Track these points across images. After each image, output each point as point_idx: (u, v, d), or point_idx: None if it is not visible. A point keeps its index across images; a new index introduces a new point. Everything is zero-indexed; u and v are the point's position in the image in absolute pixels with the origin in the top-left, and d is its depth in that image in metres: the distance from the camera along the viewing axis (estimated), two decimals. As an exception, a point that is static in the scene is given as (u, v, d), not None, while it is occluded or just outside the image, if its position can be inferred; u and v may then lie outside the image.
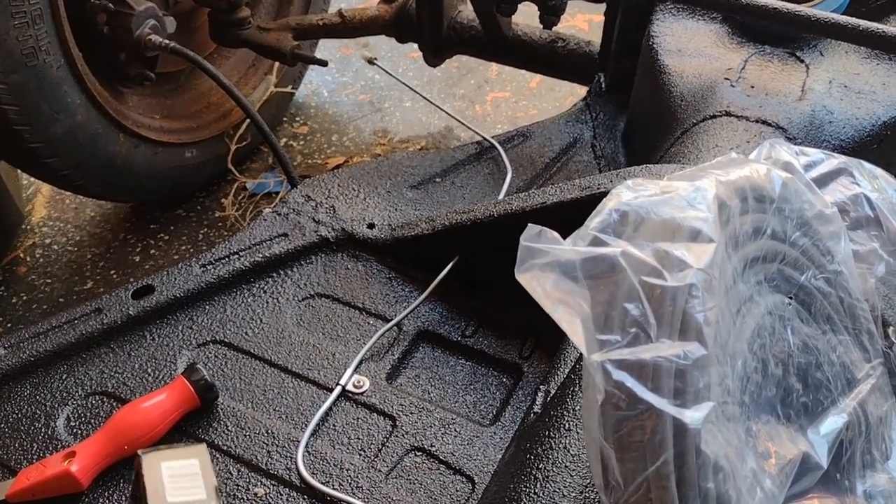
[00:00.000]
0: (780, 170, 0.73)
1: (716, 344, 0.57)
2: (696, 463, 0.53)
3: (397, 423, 1.00)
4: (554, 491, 0.65)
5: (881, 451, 0.78)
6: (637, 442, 0.53)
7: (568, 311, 0.56)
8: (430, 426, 1.00)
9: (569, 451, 0.68)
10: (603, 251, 0.56)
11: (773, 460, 0.62)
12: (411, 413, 1.01)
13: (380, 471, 0.95)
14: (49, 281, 1.60)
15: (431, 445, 0.98)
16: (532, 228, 0.55)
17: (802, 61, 1.21)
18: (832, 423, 0.72)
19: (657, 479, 0.53)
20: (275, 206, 1.25)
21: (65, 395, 1.02)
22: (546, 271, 0.57)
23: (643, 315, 0.54)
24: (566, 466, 0.67)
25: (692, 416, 0.52)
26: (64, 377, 1.04)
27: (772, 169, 0.72)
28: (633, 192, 0.61)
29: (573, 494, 0.64)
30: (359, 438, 0.99)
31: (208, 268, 1.15)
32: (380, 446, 0.98)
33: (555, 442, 0.69)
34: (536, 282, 0.56)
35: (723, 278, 0.61)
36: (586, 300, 0.57)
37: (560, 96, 2.02)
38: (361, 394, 1.03)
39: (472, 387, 1.06)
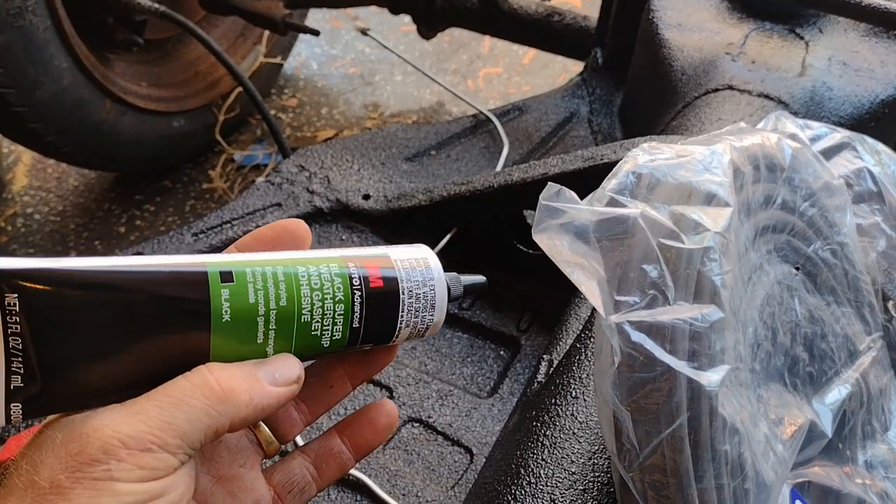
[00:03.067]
0: (789, 140, 0.73)
1: (730, 309, 0.57)
2: (713, 425, 0.52)
3: (394, 394, 0.99)
4: (562, 457, 0.64)
5: (881, 422, 0.78)
6: (653, 404, 0.52)
7: (585, 273, 0.55)
8: (428, 398, 0.99)
9: (576, 419, 0.67)
10: (621, 212, 0.55)
11: (785, 427, 0.62)
12: (408, 384, 1.00)
13: (376, 441, 0.94)
14: (31, 251, 1.57)
15: (429, 417, 0.97)
16: (551, 187, 0.54)
17: (802, 38, 1.21)
18: (836, 393, 0.72)
19: (672, 441, 0.53)
20: (268, 176, 1.23)
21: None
22: (562, 233, 0.56)
23: (661, 277, 0.53)
24: (574, 433, 0.66)
25: (709, 378, 0.52)
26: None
27: (782, 138, 0.72)
28: (649, 155, 0.60)
29: (581, 461, 0.64)
30: (354, 409, 0.98)
31: (200, 236, 1.13)
32: (376, 417, 0.97)
33: (561, 410, 0.69)
34: (553, 243, 0.55)
35: (737, 244, 0.61)
36: (599, 263, 0.56)
37: (553, 73, 2.01)
38: (357, 364, 1.02)
39: (469, 359, 1.05)
